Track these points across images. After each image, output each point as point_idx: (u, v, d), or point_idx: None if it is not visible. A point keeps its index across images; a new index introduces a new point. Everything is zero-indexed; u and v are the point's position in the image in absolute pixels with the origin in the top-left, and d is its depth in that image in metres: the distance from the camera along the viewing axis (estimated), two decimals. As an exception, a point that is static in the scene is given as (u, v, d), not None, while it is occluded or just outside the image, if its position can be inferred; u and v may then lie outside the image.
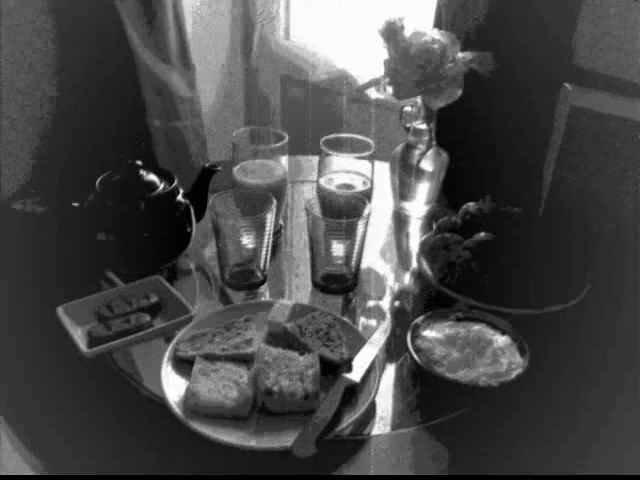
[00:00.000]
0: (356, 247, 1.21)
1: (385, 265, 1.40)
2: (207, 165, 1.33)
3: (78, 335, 1.10)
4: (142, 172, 1.26)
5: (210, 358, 1.04)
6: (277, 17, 2.48)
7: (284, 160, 1.38)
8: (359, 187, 1.38)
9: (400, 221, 1.54)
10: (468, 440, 0.97)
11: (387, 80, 1.41)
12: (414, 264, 1.35)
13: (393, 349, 1.12)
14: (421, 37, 1.37)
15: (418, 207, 1.52)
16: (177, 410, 0.96)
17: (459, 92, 1.39)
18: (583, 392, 1.05)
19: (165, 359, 1.05)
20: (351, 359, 1.05)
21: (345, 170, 1.40)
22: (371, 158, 1.38)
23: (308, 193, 1.54)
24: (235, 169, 1.37)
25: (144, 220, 1.23)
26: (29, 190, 1.55)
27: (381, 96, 1.90)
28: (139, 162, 1.27)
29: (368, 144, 1.39)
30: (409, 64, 1.37)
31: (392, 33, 1.39)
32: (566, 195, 1.40)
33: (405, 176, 1.48)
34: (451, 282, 1.22)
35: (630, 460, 0.94)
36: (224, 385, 0.98)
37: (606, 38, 1.37)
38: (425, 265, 1.28)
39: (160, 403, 0.99)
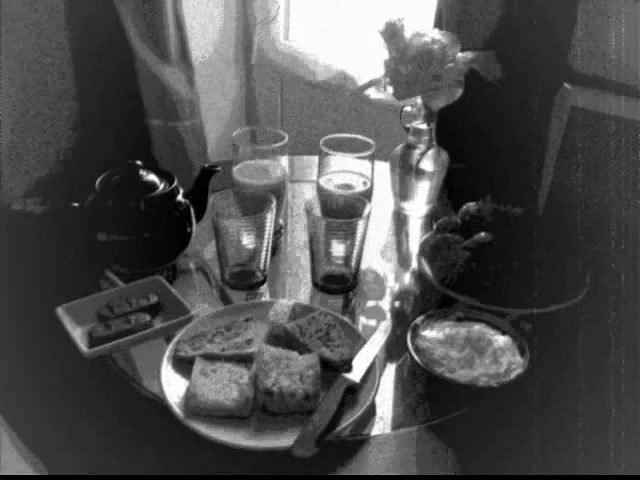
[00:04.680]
0: (356, 247, 1.21)
1: (385, 265, 1.39)
2: (207, 165, 1.33)
3: (78, 335, 1.10)
4: (142, 172, 1.26)
5: (210, 358, 1.04)
6: (277, 17, 2.48)
7: (284, 160, 1.38)
8: (359, 187, 1.38)
9: (400, 221, 1.54)
10: (468, 440, 0.97)
11: (387, 80, 1.41)
12: (414, 264, 1.35)
13: (393, 349, 1.12)
14: (421, 37, 1.37)
15: (418, 207, 1.52)
16: (177, 410, 0.96)
17: (459, 92, 1.39)
18: (583, 392, 1.05)
19: (165, 359, 1.05)
20: (351, 359, 1.05)
21: (345, 170, 1.40)
22: (371, 158, 1.38)
23: (308, 193, 1.54)
24: (235, 169, 1.37)
25: (144, 220, 1.23)
26: (30, 191, 1.56)
27: (381, 96, 1.90)
28: (139, 162, 1.27)
29: (368, 144, 1.39)
30: (409, 64, 1.37)
31: (392, 33, 1.39)
32: (566, 195, 1.40)
33: (405, 176, 1.48)
34: (451, 282, 1.22)
35: (631, 460, 0.94)
36: (224, 385, 0.98)
37: (603, 40, 1.37)
38: (425, 265, 1.28)
39: (160, 403, 0.99)
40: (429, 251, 1.30)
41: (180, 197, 1.28)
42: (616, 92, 1.34)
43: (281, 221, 1.44)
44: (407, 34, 1.39)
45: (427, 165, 1.47)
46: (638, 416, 1.00)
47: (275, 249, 1.38)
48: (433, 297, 1.25)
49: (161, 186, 1.26)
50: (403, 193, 1.51)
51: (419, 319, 1.11)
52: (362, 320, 1.22)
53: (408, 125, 1.48)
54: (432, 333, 1.08)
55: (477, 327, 1.08)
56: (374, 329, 1.14)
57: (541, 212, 1.42)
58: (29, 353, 1.10)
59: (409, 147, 1.48)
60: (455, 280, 1.22)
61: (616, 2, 1.34)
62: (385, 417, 1.01)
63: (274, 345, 1.06)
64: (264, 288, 1.27)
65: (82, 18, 1.67)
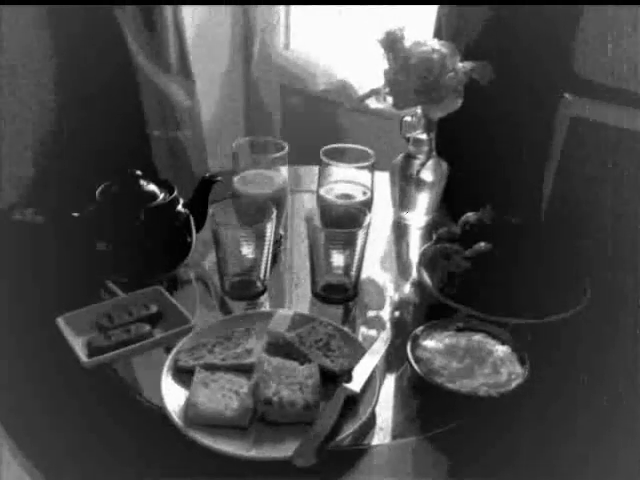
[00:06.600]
0: (356, 257, 1.21)
1: (385, 275, 1.39)
2: (207, 175, 1.34)
3: (78, 345, 1.09)
4: (142, 182, 1.26)
5: (210, 368, 1.04)
6: (277, 27, 2.49)
7: (284, 170, 1.38)
8: (359, 197, 1.38)
9: (400, 231, 1.54)
10: (468, 450, 0.97)
11: (387, 90, 1.41)
12: (414, 274, 1.35)
13: (393, 359, 1.12)
14: (421, 47, 1.38)
15: (418, 217, 1.52)
16: (177, 420, 0.96)
17: (459, 102, 1.39)
18: (583, 402, 1.05)
19: (165, 369, 1.05)
20: (351, 369, 1.04)
21: (345, 180, 1.40)
22: (371, 168, 1.38)
23: (308, 203, 1.54)
24: (235, 179, 1.37)
25: (144, 230, 1.23)
26: (29, 200, 1.55)
27: (381, 106, 1.90)
28: (139, 172, 1.27)
29: (368, 154, 1.39)
30: (409, 74, 1.37)
31: (392, 43, 1.39)
32: (566, 205, 1.40)
33: (405, 186, 1.49)
34: (451, 292, 1.22)
35: (630, 469, 0.94)
36: (224, 395, 0.98)
37: (606, 47, 1.38)
38: (425, 275, 1.28)
39: (160, 413, 0.98)
40: (429, 261, 1.30)
41: (180, 207, 1.28)
42: (618, 102, 1.34)
43: (281, 231, 1.43)
44: (407, 44, 1.39)
45: (427, 175, 1.47)
46: (636, 425, 1.00)
47: (275, 259, 1.38)
48: (433, 307, 1.25)
49: (161, 196, 1.26)
50: (403, 203, 1.51)
51: (419, 329, 1.11)
52: (362, 330, 1.22)
53: (408, 135, 1.48)
54: (432, 343, 1.08)
55: (477, 337, 1.08)
56: (374, 339, 1.13)
57: (541, 222, 1.42)
58: (29, 363, 1.10)
59: (409, 157, 1.48)
60: (455, 290, 1.22)
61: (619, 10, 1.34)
62: (385, 427, 1.00)
63: (274, 355, 1.06)
64: (264, 298, 1.27)
65: (83, 29, 1.67)
